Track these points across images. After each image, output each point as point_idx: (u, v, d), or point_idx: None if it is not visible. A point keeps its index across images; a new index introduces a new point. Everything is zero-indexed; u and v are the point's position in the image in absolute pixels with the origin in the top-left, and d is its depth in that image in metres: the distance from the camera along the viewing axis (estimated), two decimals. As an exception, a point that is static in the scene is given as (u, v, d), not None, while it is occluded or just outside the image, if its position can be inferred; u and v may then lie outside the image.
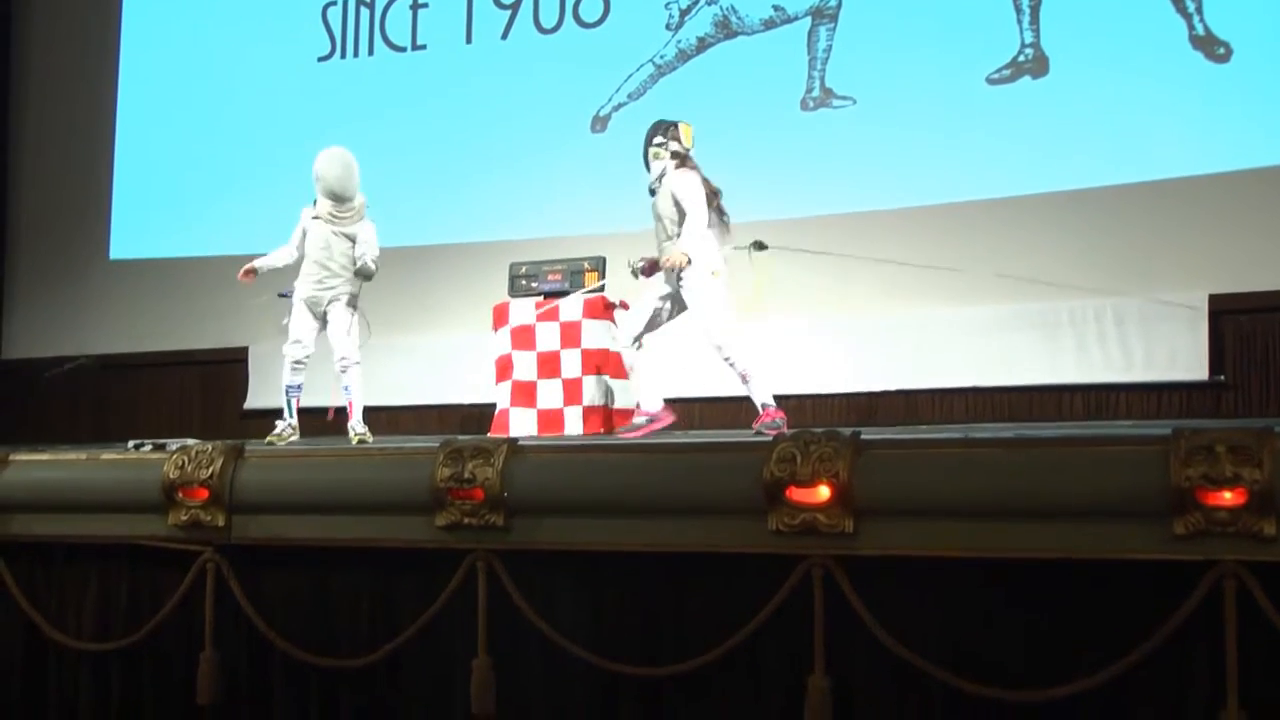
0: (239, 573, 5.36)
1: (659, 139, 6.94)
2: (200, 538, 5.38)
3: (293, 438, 7.32)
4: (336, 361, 7.35)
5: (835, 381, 8.87)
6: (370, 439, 7.23)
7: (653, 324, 6.88)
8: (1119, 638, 4.09)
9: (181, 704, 5.49)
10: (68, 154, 11.85)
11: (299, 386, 7.42)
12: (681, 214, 6.69)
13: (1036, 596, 4.25)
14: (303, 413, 7.55)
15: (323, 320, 7.38)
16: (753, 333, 8.99)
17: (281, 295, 7.52)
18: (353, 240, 7.34)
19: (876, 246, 8.54)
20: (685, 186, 6.71)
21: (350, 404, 7.34)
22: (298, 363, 7.40)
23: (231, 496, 5.30)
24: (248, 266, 7.48)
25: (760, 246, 6.76)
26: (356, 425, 7.28)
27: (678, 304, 6.84)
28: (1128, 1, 8.50)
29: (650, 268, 7.01)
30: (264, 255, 7.49)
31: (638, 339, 6.88)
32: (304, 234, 7.41)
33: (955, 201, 8.46)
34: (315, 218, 7.37)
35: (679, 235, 6.69)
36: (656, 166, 6.91)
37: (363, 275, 7.38)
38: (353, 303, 7.40)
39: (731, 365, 6.67)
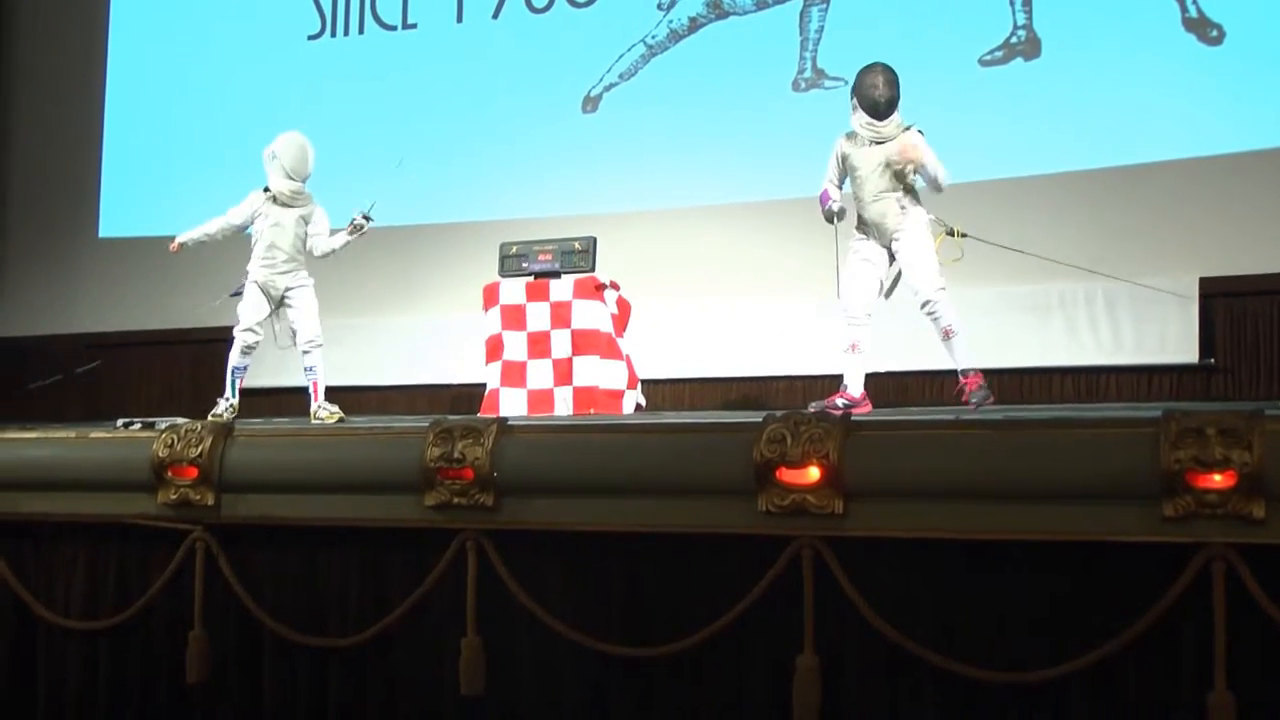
0: (228, 552, 5.36)
1: (897, 93, 6.64)
2: (189, 516, 5.37)
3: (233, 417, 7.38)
4: (303, 343, 7.43)
5: (827, 363, 8.87)
6: (343, 416, 7.34)
7: (876, 291, 6.74)
8: (1108, 619, 4.10)
9: (170, 683, 5.49)
10: (56, 131, 11.81)
11: (245, 368, 7.50)
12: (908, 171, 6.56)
13: (1026, 578, 4.26)
14: (259, 393, 7.59)
15: (277, 303, 7.45)
16: (750, 313, 9.04)
17: (233, 295, 7.58)
18: (306, 222, 7.41)
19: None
20: (928, 150, 6.56)
21: (315, 384, 7.44)
22: (248, 346, 7.47)
23: (221, 475, 5.28)
24: (177, 241, 7.56)
25: (953, 233, 6.66)
26: (324, 406, 7.33)
27: (889, 265, 6.69)
28: (1121, -17, 8.51)
29: (842, 211, 6.81)
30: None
31: (869, 313, 6.72)
32: (252, 215, 7.45)
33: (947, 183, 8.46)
34: (271, 200, 7.39)
35: (901, 189, 6.58)
36: (896, 118, 6.64)
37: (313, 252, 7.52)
38: (310, 286, 7.50)
39: (935, 319, 6.57)
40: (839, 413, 6.34)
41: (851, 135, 6.72)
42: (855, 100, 6.67)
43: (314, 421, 7.21)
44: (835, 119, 9.00)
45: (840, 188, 6.77)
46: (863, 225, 6.71)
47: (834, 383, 8.77)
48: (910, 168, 6.54)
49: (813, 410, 6.40)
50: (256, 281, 7.39)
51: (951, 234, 6.67)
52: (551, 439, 5.01)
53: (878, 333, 8.37)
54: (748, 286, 9.10)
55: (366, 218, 7.50)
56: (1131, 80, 8.33)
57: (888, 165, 6.58)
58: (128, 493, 5.49)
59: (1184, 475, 3.92)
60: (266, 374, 8.31)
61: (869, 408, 6.70)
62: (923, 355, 8.29)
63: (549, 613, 4.80)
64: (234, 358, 7.47)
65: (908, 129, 6.60)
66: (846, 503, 4.36)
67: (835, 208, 6.78)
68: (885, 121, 6.60)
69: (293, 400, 7.55)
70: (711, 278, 9.19)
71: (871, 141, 6.63)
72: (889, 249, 6.64)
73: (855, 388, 6.73)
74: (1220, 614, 3.95)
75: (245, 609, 5.31)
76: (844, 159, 6.73)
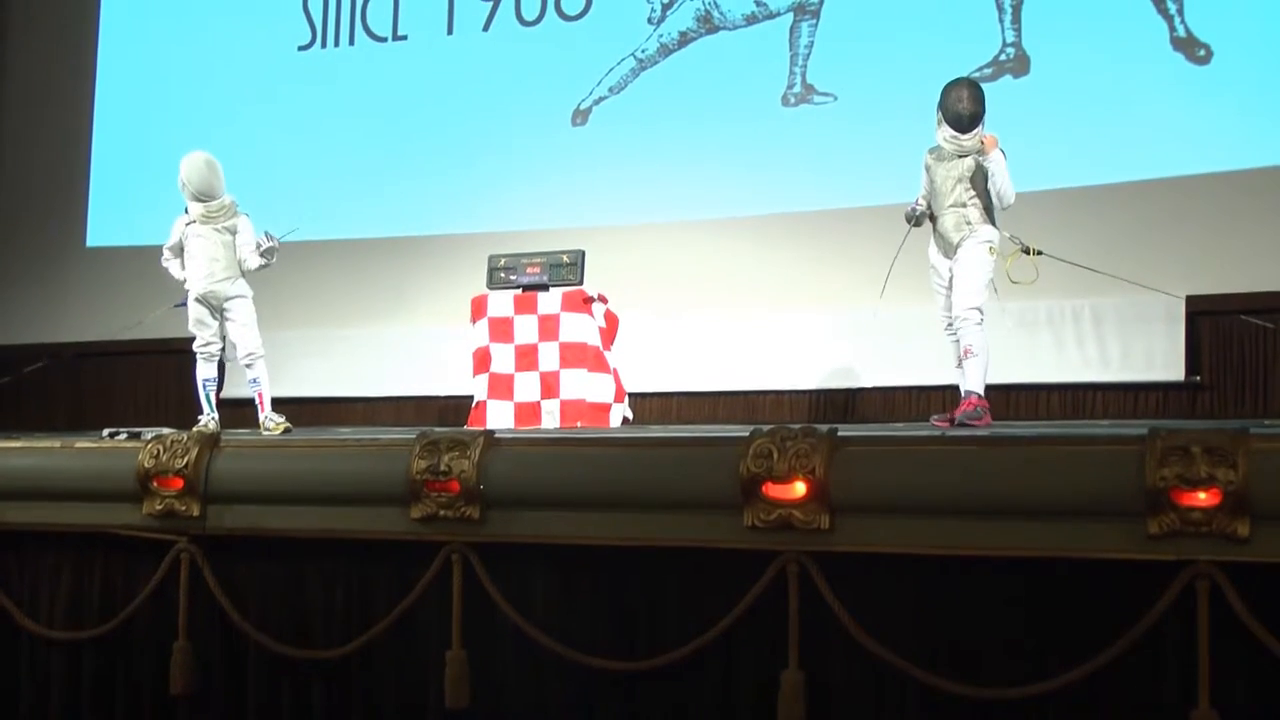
0: (213, 563, 5.34)
1: (981, 108, 6.66)
2: (174, 527, 5.35)
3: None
4: (243, 357, 7.46)
5: (813, 377, 8.89)
6: (290, 427, 7.35)
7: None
8: (1092, 636, 4.10)
9: (154, 694, 5.47)
10: (45, 141, 11.80)
11: (213, 379, 7.52)
12: (981, 186, 6.61)
13: (1011, 594, 4.26)
14: (245, 403, 7.60)
15: (220, 315, 7.44)
16: (738, 328, 9.05)
17: (178, 306, 7.60)
18: (234, 234, 7.42)
19: (856, 243, 8.56)
20: (1001, 157, 6.59)
21: (260, 396, 7.46)
22: (210, 356, 7.48)
23: (206, 486, 5.27)
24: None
25: (1028, 251, 6.70)
26: (270, 417, 7.35)
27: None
28: (1110, 2, 8.54)
29: (924, 215, 6.84)
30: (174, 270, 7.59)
31: (951, 324, 6.71)
32: (180, 239, 7.47)
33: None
34: (190, 223, 7.42)
35: (970, 204, 6.61)
36: (976, 132, 6.64)
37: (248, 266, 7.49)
38: (249, 297, 7.49)
39: (960, 336, 6.59)
40: (983, 421, 6.41)
41: (935, 149, 6.78)
42: (940, 114, 6.71)
43: (263, 433, 7.23)
44: (825, 134, 9.10)
45: (928, 201, 6.80)
46: (936, 237, 6.78)
47: (823, 397, 8.84)
48: (984, 159, 6.55)
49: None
50: (197, 297, 7.41)
51: (1028, 252, 6.73)
52: (538, 452, 5.00)
53: (865, 347, 8.41)
54: (736, 301, 9.11)
55: (270, 237, 7.50)
56: (1119, 99, 8.36)
57: (959, 179, 6.63)
58: (113, 503, 5.47)
59: (1169, 493, 3.93)
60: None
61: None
62: (910, 371, 8.34)
63: (534, 626, 4.80)
64: (200, 371, 7.50)
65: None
66: (832, 518, 4.36)
67: (919, 210, 6.83)
68: (968, 135, 6.64)
69: (279, 409, 7.54)
70: (700, 292, 9.20)
71: (953, 155, 6.68)
72: (951, 263, 6.69)
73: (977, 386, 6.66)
74: (1204, 632, 3.95)
75: (230, 620, 5.30)
76: (927, 170, 6.79)
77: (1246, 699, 3.99)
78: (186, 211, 7.47)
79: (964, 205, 6.64)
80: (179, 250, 7.49)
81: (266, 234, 7.46)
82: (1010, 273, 6.66)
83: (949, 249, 6.68)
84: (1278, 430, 4.22)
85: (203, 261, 7.39)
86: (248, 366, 7.46)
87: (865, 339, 8.56)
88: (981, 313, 6.56)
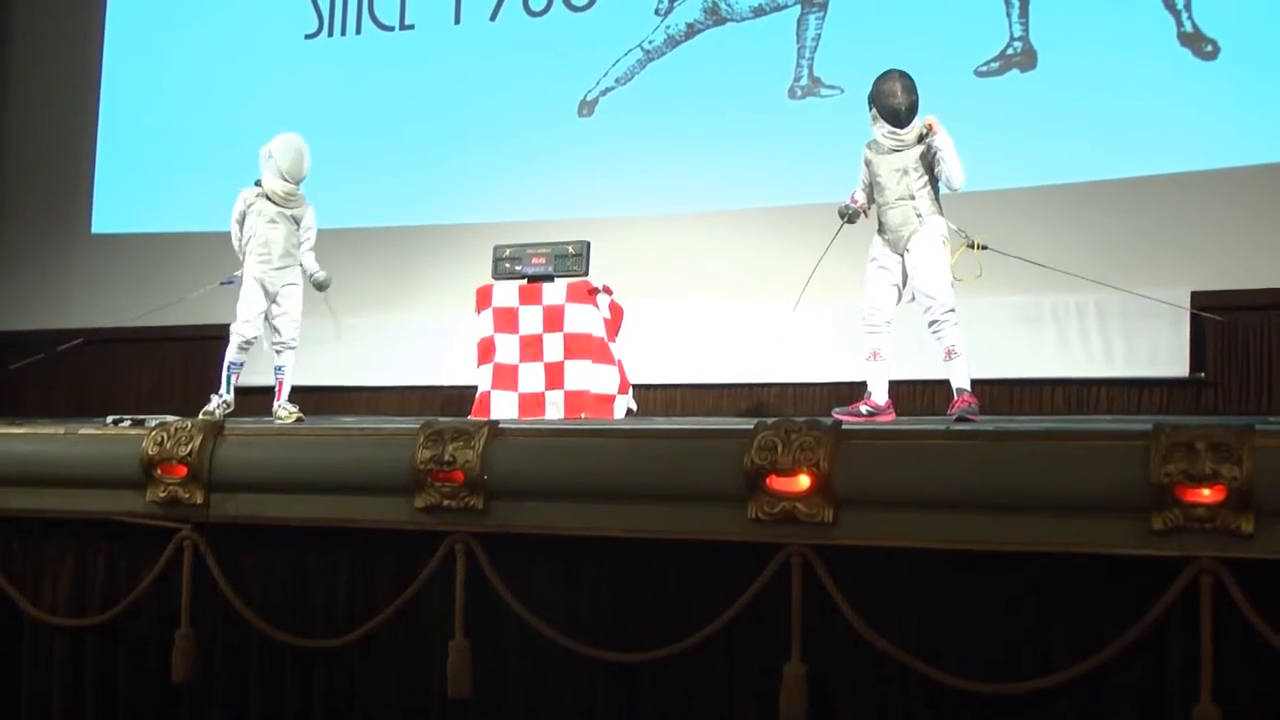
0: (216, 551, 5.34)
1: (915, 97, 6.55)
2: (178, 515, 5.36)
3: (226, 414, 7.42)
4: (277, 341, 7.53)
5: (818, 371, 8.88)
6: (302, 416, 7.43)
7: (894, 298, 6.66)
8: (1095, 632, 4.10)
9: (157, 682, 5.47)
10: (51, 127, 11.79)
11: (241, 364, 7.56)
12: (926, 174, 6.51)
13: (1014, 589, 4.26)
14: (254, 391, 7.63)
15: (273, 299, 7.49)
16: (743, 320, 9.04)
17: (224, 284, 7.62)
18: (298, 222, 7.46)
19: (863, 236, 8.54)
20: (952, 147, 6.47)
21: (280, 384, 7.53)
22: (246, 342, 7.54)
23: (210, 474, 5.27)
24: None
25: (974, 246, 6.60)
26: (284, 405, 7.39)
27: (904, 275, 6.61)
28: (1117, -3, 8.53)
29: (858, 213, 6.76)
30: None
31: (888, 320, 6.63)
32: (244, 210, 7.52)
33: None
34: (261, 196, 7.43)
35: (918, 195, 6.50)
36: (918, 122, 6.54)
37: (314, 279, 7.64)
38: (299, 285, 7.60)
39: (939, 339, 6.51)
40: (860, 419, 6.35)
41: (873, 143, 6.68)
42: (874, 110, 6.59)
43: (275, 420, 7.25)
44: (831, 127, 9.08)
45: (869, 197, 6.73)
46: (882, 230, 6.67)
47: (827, 390, 8.82)
48: (932, 141, 6.45)
49: (836, 415, 6.42)
50: (255, 277, 7.43)
51: (972, 246, 6.61)
52: (542, 443, 5.00)
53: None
54: (741, 293, 9.10)
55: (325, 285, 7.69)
56: (1127, 93, 8.35)
57: (905, 171, 6.55)
58: (116, 490, 5.46)
59: (1173, 489, 3.93)
60: (264, 371, 8.30)
61: (892, 415, 6.64)
62: (913, 364, 8.30)
63: (537, 617, 4.80)
64: (231, 353, 7.52)
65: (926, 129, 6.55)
66: (836, 511, 4.35)
67: (854, 206, 6.75)
68: (906, 129, 6.55)
69: (291, 397, 7.56)
70: (705, 284, 9.20)
71: (891, 149, 6.59)
72: (902, 257, 6.60)
73: (880, 395, 6.64)
74: (1207, 628, 3.95)
75: (233, 608, 5.30)
76: (867, 165, 6.70)
77: (1249, 695, 4.00)
78: (257, 184, 7.50)
79: (911, 198, 6.53)
80: (242, 221, 7.53)
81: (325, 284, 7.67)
82: (955, 269, 6.58)
83: (897, 242, 6.58)
84: (1283, 427, 4.22)
85: (264, 244, 7.45)
86: (278, 352, 7.50)
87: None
88: (954, 310, 6.51)
